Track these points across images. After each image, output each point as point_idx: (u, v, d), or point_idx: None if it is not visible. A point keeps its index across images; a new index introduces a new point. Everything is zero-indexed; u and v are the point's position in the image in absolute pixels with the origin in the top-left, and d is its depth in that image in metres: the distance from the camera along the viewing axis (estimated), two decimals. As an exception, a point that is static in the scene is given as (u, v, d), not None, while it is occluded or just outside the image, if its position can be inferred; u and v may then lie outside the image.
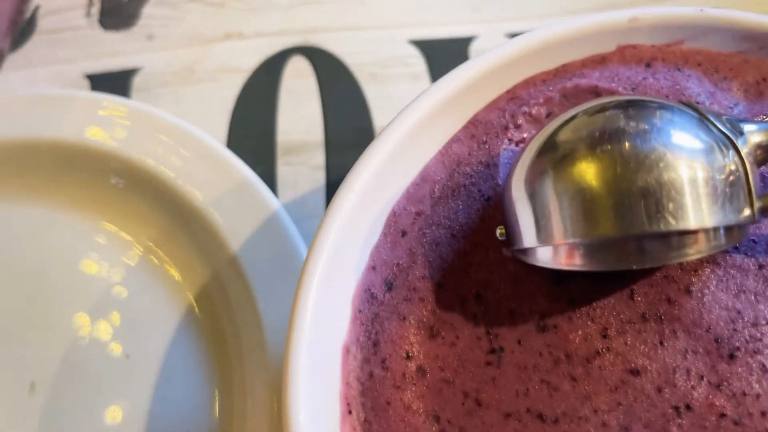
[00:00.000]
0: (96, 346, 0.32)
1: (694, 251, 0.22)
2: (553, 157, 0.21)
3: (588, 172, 0.20)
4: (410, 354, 0.23)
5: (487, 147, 0.25)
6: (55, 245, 0.34)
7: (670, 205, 0.19)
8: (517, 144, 0.25)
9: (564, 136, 0.21)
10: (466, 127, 0.26)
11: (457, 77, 0.25)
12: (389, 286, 0.24)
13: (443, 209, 0.25)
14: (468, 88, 0.25)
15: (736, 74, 0.26)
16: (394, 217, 0.25)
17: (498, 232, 0.23)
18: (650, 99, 0.22)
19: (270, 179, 0.38)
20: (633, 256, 0.22)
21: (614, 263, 0.22)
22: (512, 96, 0.26)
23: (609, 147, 0.20)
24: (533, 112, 0.26)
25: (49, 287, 0.33)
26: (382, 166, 0.24)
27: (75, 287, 0.33)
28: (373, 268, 0.24)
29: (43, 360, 0.31)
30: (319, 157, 0.39)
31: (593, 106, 0.22)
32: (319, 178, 0.38)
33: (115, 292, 0.33)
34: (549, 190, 0.21)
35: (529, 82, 0.26)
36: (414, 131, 0.25)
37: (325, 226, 0.23)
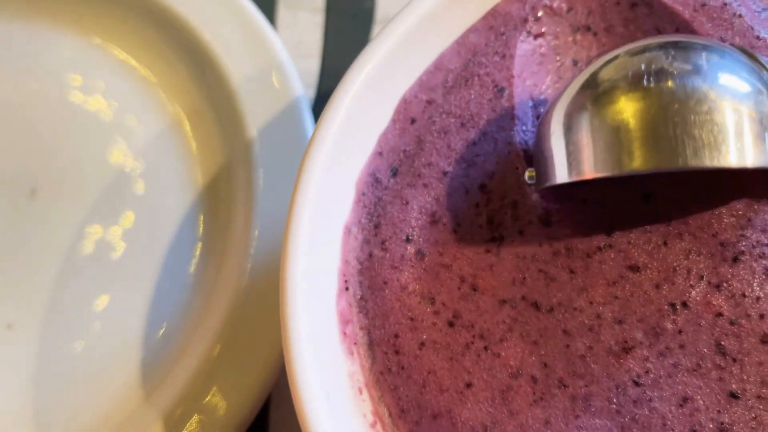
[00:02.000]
0: (93, 159, 0.33)
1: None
2: (594, 93, 0.20)
3: (627, 106, 0.20)
4: (410, 237, 0.23)
5: (504, 38, 0.25)
6: (58, 65, 0.34)
7: (711, 141, 0.19)
8: (535, 37, 0.25)
9: (606, 74, 0.21)
10: (484, 18, 0.25)
11: (479, -36, 0.24)
12: (394, 172, 0.24)
13: (455, 98, 0.24)
14: (490, -23, 0.24)
15: (770, -22, 0.25)
16: (405, 104, 0.24)
17: (527, 174, 0.23)
18: (699, 40, 0.21)
19: (270, 20, 0.38)
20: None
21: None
22: (535, -12, 0.25)
23: (651, 84, 0.19)
24: (554, 5, 0.25)
25: (51, 106, 0.33)
26: (394, 50, 0.24)
27: (76, 110, 0.34)
28: (380, 153, 0.24)
29: (44, 168, 0.32)
30: (318, 1, 0.39)
31: (637, 46, 0.21)
32: (318, 21, 0.39)
33: (119, 121, 0.34)
34: (586, 124, 0.20)
35: (553, -25, 0.25)
36: (429, 18, 0.24)
37: (333, 106, 0.23)
